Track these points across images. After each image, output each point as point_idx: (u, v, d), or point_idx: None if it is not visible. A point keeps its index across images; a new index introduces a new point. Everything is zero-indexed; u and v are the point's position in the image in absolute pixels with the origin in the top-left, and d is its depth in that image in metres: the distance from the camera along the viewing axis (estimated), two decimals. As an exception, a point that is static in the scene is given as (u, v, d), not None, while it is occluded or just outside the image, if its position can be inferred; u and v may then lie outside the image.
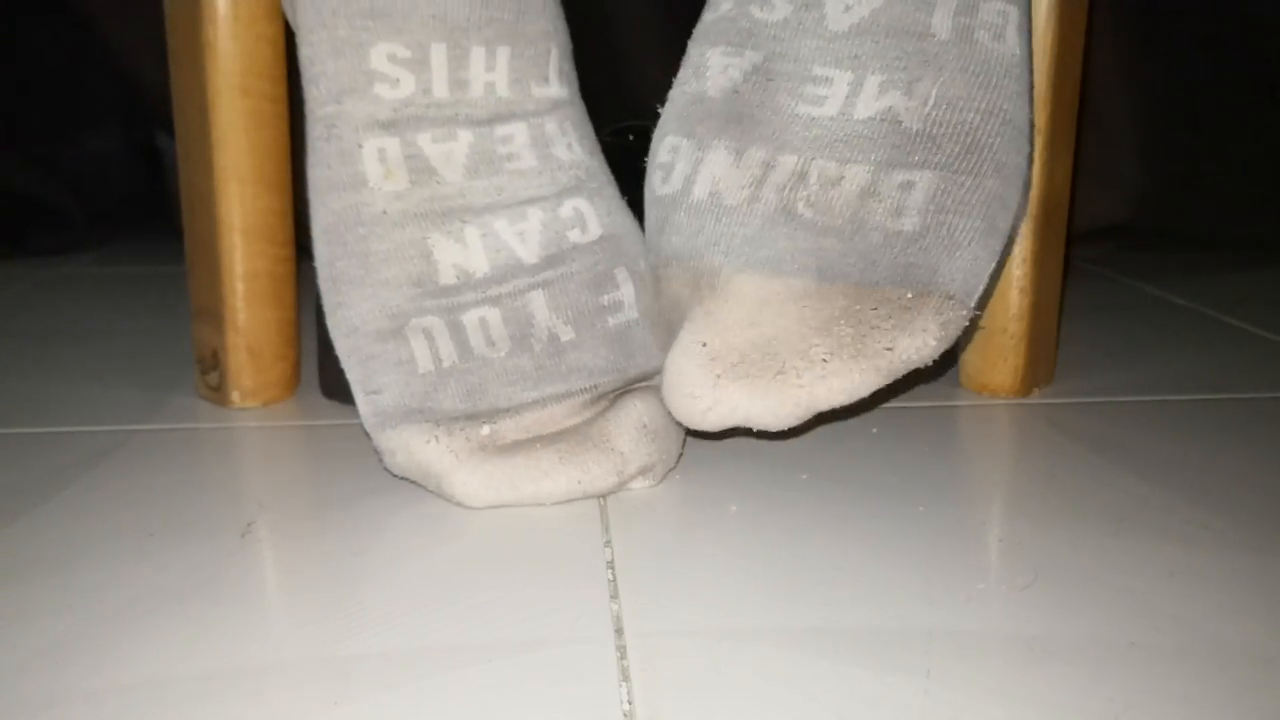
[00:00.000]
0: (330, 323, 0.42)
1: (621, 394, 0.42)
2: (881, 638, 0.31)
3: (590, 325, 0.42)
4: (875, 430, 0.48)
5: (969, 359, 0.53)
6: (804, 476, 0.43)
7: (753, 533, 0.38)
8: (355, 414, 0.49)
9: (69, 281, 0.80)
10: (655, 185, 0.42)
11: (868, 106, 0.39)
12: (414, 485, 0.42)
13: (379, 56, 0.40)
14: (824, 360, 0.37)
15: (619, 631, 0.32)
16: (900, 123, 0.39)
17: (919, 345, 0.37)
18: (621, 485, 0.41)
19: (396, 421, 0.40)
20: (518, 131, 0.42)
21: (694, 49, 0.43)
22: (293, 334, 0.53)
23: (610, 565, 0.36)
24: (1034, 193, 0.50)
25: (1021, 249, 0.51)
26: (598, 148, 0.45)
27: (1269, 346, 0.63)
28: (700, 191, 0.40)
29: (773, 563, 0.36)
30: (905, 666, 0.30)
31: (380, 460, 0.41)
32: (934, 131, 0.39)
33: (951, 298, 0.38)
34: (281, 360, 0.52)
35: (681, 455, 0.44)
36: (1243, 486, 0.42)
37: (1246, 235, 0.89)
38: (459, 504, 0.40)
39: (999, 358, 0.52)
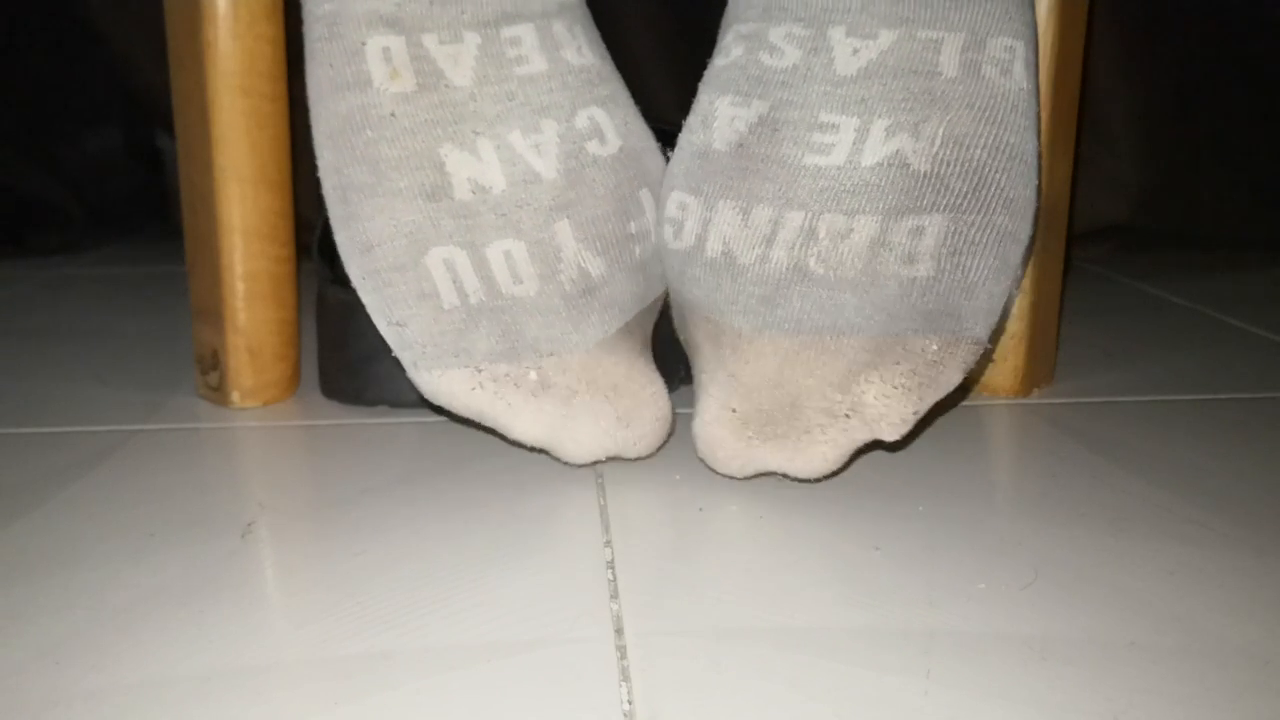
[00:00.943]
0: (340, 239, 0.40)
1: (642, 351, 0.43)
2: (881, 638, 0.31)
3: (618, 258, 0.42)
4: (875, 430, 0.48)
5: (969, 359, 0.53)
6: (804, 476, 0.43)
7: (753, 533, 0.38)
8: (355, 414, 0.50)
9: (69, 281, 0.80)
10: (668, 239, 0.42)
11: (875, 152, 0.39)
12: (414, 486, 0.42)
13: None
14: (846, 416, 0.38)
15: (619, 631, 0.32)
16: (908, 166, 0.38)
17: (940, 383, 0.39)
18: (660, 444, 0.43)
19: (432, 363, 0.40)
20: (525, 33, 0.41)
21: (704, 96, 0.43)
22: (293, 334, 0.53)
23: (610, 565, 0.36)
24: (1034, 193, 0.50)
25: (1021, 249, 0.51)
26: (607, 52, 0.44)
27: (1269, 346, 0.63)
28: (713, 250, 0.40)
29: (773, 563, 0.36)
30: (905, 666, 0.30)
31: (417, 389, 0.41)
32: (942, 171, 0.38)
33: (976, 342, 0.39)
34: (281, 360, 0.52)
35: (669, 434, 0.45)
36: (1243, 486, 0.42)
37: (1246, 235, 0.89)
38: (507, 438, 0.42)
39: (999, 358, 0.52)
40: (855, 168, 0.39)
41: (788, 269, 0.39)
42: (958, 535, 0.38)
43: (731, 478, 0.41)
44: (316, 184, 0.41)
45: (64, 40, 0.87)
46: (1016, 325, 0.52)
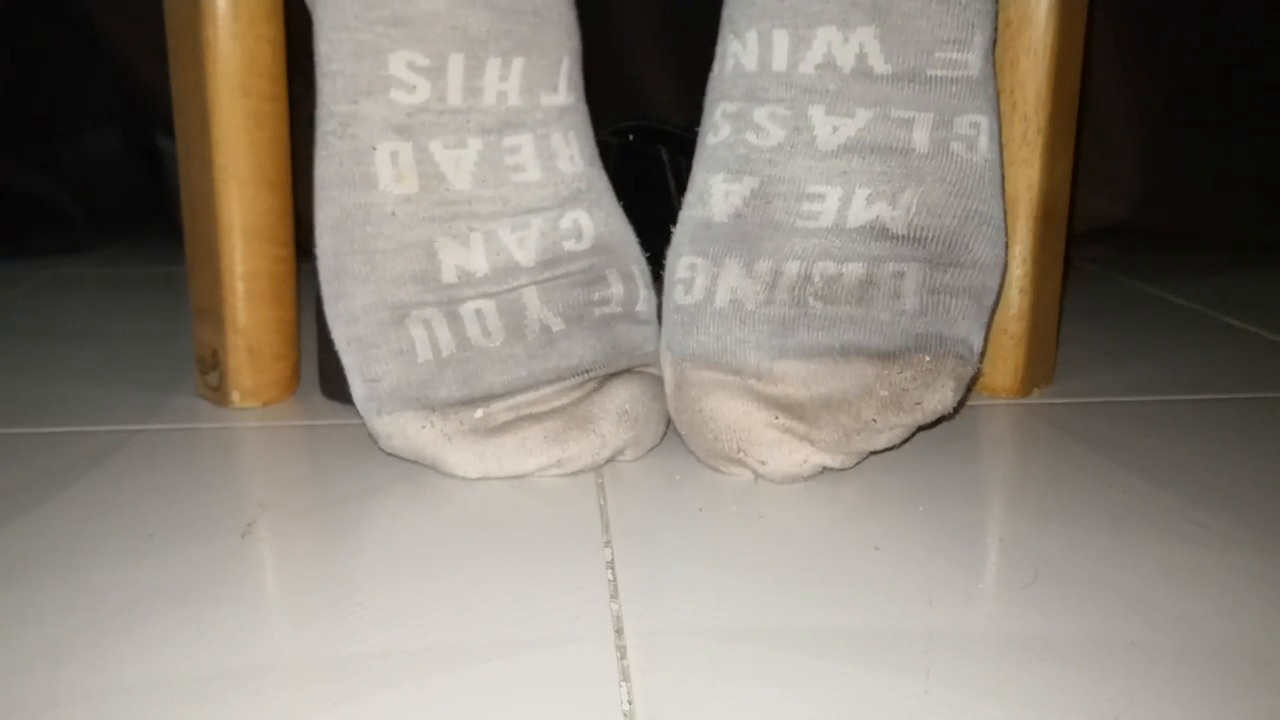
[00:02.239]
0: (329, 311, 0.43)
1: (608, 378, 0.44)
2: (881, 638, 0.31)
3: (579, 317, 0.44)
4: (875, 430, 0.48)
5: (969, 359, 0.53)
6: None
7: (753, 533, 0.38)
8: (355, 414, 0.49)
9: (69, 281, 0.80)
10: (678, 297, 0.45)
11: (857, 217, 0.43)
12: (414, 486, 0.42)
13: (398, 63, 0.41)
14: (873, 420, 0.42)
15: (619, 631, 0.32)
16: (887, 230, 0.43)
17: (941, 398, 0.43)
18: (599, 464, 0.43)
19: (393, 408, 0.42)
20: (525, 143, 0.44)
21: (698, 175, 0.46)
22: (293, 334, 0.53)
23: (610, 565, 0.36)
24: (1034, 193, 0.50)
25: (1021, 249, 0.51)
26: (596, 154, 0.47)
27: (1269, 346, 0.63)
28: (721, 300, 0.43)
29: (773, 563, 0.36)
30: (905, 666, 0.30)
31: (376, 442, 0.43)
32: (918, 235, 0.43)
33: (961, 358, 0.43)
34: (281, 360, 0.52)
35: (665, 434, 0.45)
36: (1243, 486, 0.42)
37: (1246, 235, 0.89)
38: (450, 476, 0.43)
39: (999, 358, 0.52)
40: (841, 230, 0.43)
41: (790, 309, 0.43)
42: (958, 535, 0.38)
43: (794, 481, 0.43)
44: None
45: (64, 40, 0.87)
46: (1016, 325, 0.52)
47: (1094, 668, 0.30)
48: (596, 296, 0.45)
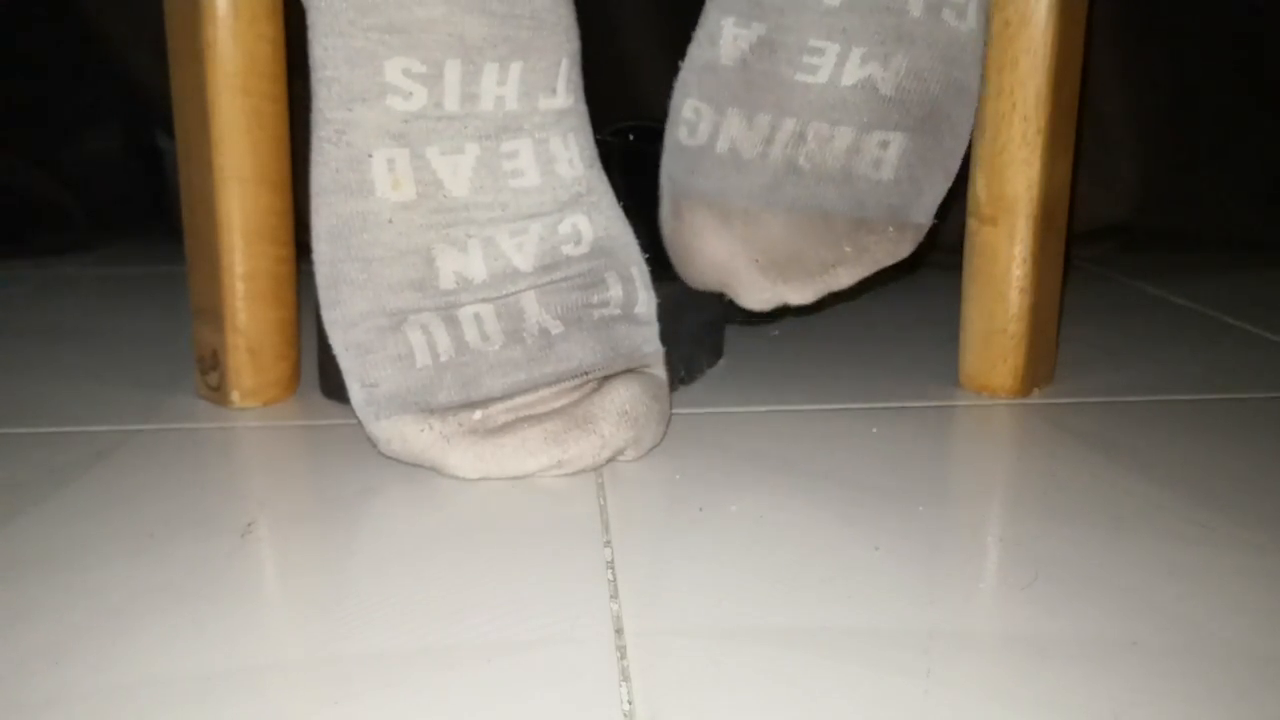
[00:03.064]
0: (326, 317, 0.43)
1: (608, 378, 0.44)
2: (881, 638, 0.31)
3: (578, 320, 0.44)
4: (875, 430, 0.48)
5: (969, 359, 0.53)
6: (804, 476, 0.43)
7: (753, 533, 0.38)
8: (355, 414, 0.49)
9: (69, 281, 0.80)
10: (681, 137, 0.50)
11: (851, 75, 0.47)
12: (414, 486, 0.42)
13: (394, 70, 0.41)
14: (834, 267, 0.49)
15: (619, 631, 0.32)
16: (877, 90, 0.47)
17: (897, 255, 0.50)
18: (600, 464, 0.43)
19: (391, 412, 0.42)
20: (523, 148, 0.43)
21: (711, 14, 0.49)
22: (293, 334, 0.53)
23: (610, 565, 0.36)
24: (1034, 193, 0.50)
25: (1021, 249, 0.51)
26: (596, 157, 0.46)
27: (1269, 346, 0.63)
28: (721, 147, 0.48)
29: (773, 563, 0.36)
30: (905, 666, 0.30)
31: (375, 446, 0.43)
32: (904, 98, 0.48)
33: (919, 225, 0.50)
34: (281, 360, 0.52)
35: (665, 433, 0.45)
36: (1243, 486, 0.42)
37: (1246, 235, 0.89)
38: (451, 477, 0.43)
39: (999, 358, 0.52)
40: (835, 86, 0.47)
41: (782, 164, 0.48)
42: (958, 535, 0.38)
43: (761, 310, 0.51)
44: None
45: (64, 40, 0.87)
46: (1016, 325, 0.52)
47: (1094, 668, 0.30)
48: (595, 299, 0.44)
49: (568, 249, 0.45)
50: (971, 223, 0.52)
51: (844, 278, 0.49)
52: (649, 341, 0.46)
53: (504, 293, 0.43)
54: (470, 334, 0.43)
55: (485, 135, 0.43)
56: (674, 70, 0.51)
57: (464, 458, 0.42)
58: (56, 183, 0.90)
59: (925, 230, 0.50)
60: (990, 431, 0.49)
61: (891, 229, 0.49)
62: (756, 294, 0.50)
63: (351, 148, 0.42)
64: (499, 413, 0.43)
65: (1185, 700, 0.28)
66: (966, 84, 0.49)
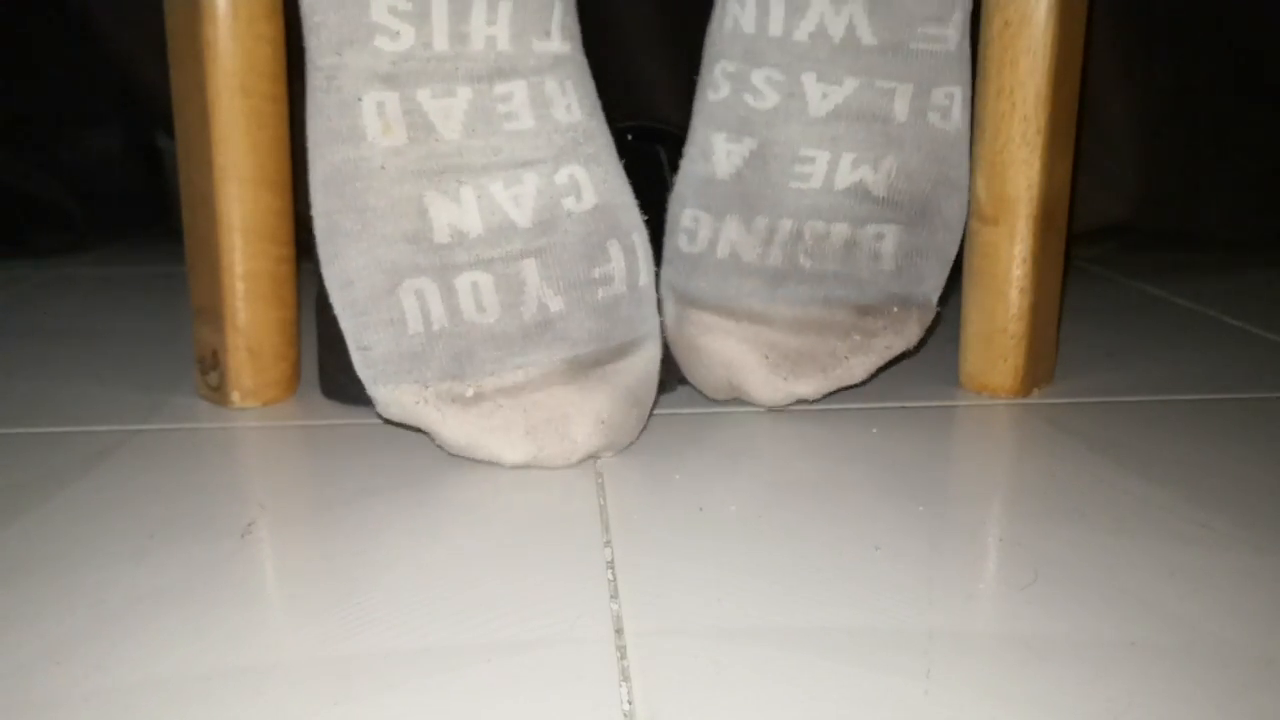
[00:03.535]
0: (325, 273, 0.43)
1: (596, 365, 0.44)
2: (881, 638, 0.31)
3: (580, 298, 0.44)
4: (875, 430, 0.48)
5: (969, 359, 0.53)
6: (804, 476, 0.43)
7: (753, 533, 0.38)
8: (355, 414, 0.50)
9: (69, 281, 0.80)
10: (681, 244, 0.50)
11: (844, 179, 0.48)
12: (414, 486, 0.42)
13: (379, 8, 0.41)
14: (846, 358, 0.49)
15: (619, 631, 0.32)
16: (870, 192, 0.49)
17: (907, 339, 0.50)
18: (572, 464, 0.44)
19: (389, 379, 0.43)
20: (517, 90, 0.43)
21: (700, 131, 0.50)
22: (293, 334, 0.53)
23: (610, 565, 0.36)
24: (1034, 193, 0.50)
25: (1021, 249, 0.51)
26: (598, 107, 0.46)
27: (1269, 346, 0.63)
28: (722, 252, 0.49)
29: (773, 563, 0.36)
30: (905, 666, 0.30)
31: (374, 406, 0.44)
32: (896, 198, 0.49)
33: (923, 306, 0.50)
34: (281, 360, 0.52)
35: (642, 430, 0.46)
36: (1243, 486, 0.42)
37: (1246, 235, 0.89)
38: (440, 444, 0.44)
39: (999, 358, 0.52)
40: (829, 191, 0.48)
41: (783, 263, 0.49)
42: (958, 535, 0.38)
43: (772, 408, 0.51)
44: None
45: (64, 40, 0.87)
46: (1016, 325, 0.52)
47: (1094, 668, 0.30)
48: (598, 273, 0.44)
49: (568, 203, 0.43)
50: (972, 223, 0.52)
51: (857, 369, 0.49)
52: (647, 319, 0.46)
53: (502, 253, 0.42)
54: (466, 304, 0.42)
55: (477, 77, 0.42)
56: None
57: (454, 432, 0.43)
58: (56, 183, 0.90)
59: (931, 314, 0.50)
60: (990, 431, 0.49)
61: (896, 309, 0.49)
62: (769, 392, 0.49)
63: (341, 93, 0.41)
64: (491, 392, 0.43)
65: (1184, 700, 0.28)
66: (956, 180, 0.50)
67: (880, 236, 0.49)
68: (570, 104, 0.44)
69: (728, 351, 0.49)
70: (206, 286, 0.51)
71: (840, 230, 0.48)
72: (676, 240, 0.50)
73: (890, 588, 0.34)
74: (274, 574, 0.36)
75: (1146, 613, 0.33)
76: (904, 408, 0.52)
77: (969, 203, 0.51)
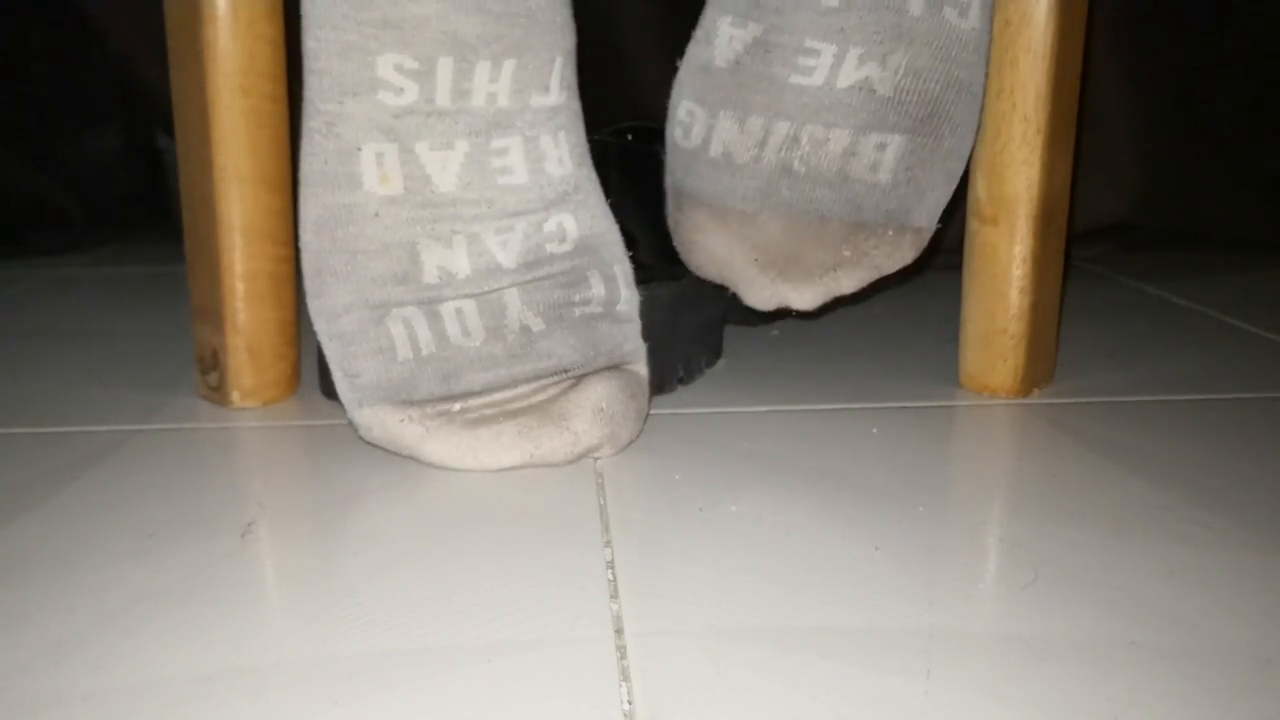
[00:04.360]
0: (311, 306, 0.44)
1: (585, 375, 0.44)
2: (881, 638, 0.31)
3: (559, 318, 0.44)
4: (875, 430, 0.48)
5: (969, 359, 0.53)
6: (804, 476, 0.43)
7: (753, 533, 0.38)
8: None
9: (69, 281, 0.80)
10: (677, 138, 0.49)
11: (848, 76, 0.46)
12: (414, 486, 0.42)
13: (386, 65, 0.41)
14: (834, 270, 0.48)
15: (619, 631, 0.32)
16: (875, 91, 0.46)
17: (900, 260, 0.48)
18: (573, 460, 0.44)
19: (374, 401, 0.43)
20: (513, 145, 0.43)
21: (709, 13, 0.49)
22: (293, 334, 0.53)
23: (610, 565, 0.36)
24: (1034, 193, 0.50)
25: (1021, 249, 0.51)
26: (587, 153, 0.47)
27: (1269, 346, 0.63)
28: (715, 151, 0.48)
29: (773, 563, 0.36)
30: (905, 666, 0.30)
31: (356, 431, 0.44)
32: (902, 98, 0.46)
33: (920, 230, 0.48)
34: (281, 360, 0.52)
35: (642, 430, 0.46)
36: (1243, 486, 0.42)
37: (1246, 235, 0.89)
38: (428, 465, 0.44)
39: (999, 358, 0.52)
40: (831, 88, 0.46)
41: (776, 168, 0.47)
42: (958, 535, 0.38)
43: (761, 309, 0.50)
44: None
45: (64, 40, 0.87)
46: (1016, 325, 0.52)
47: (1094, 668, 0.30)
48: (578, 298, 0.45)
49: (552, 246, 0.45)
50: (972, 223, 0.52)
51: (845, 282, 0.48)
52: (629, 339, 0.46)
53: (487, 289, 0.43)
54: (452, 329, 0.43)
55: (475, 132, 0.43)
56: (674, 70, 0.51)
57: (441, 447, 0.43)
58: (56, 183, 0.90)
59: (928, 235, 0.49)
60: (990, 431, 0.49)
61: (891, 232, 0.47)
62: (757, 291, 0.49)
63: (341, 140, 0.42)
64: (478, 406, 0.43)
65: (1184, 700, 0.28)
66: (969, 82, 0.47)
67: (882, 146, 0.46)
68: (562, 156, 0.45)
69: (719, 249, 0.49)
70: (206, 286, 0.51)
71: (840, 137, 0.46)
72: (673, 132, 0.50)
73: (890, 588, 0.34)
74: (274, 574, 0.36)
75: (1146, 613, 0.33)
76: (904, 408, 0.52)
77: (981, 109, 0.49)
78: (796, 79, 0.46)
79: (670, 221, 0.51)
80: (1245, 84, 0.87)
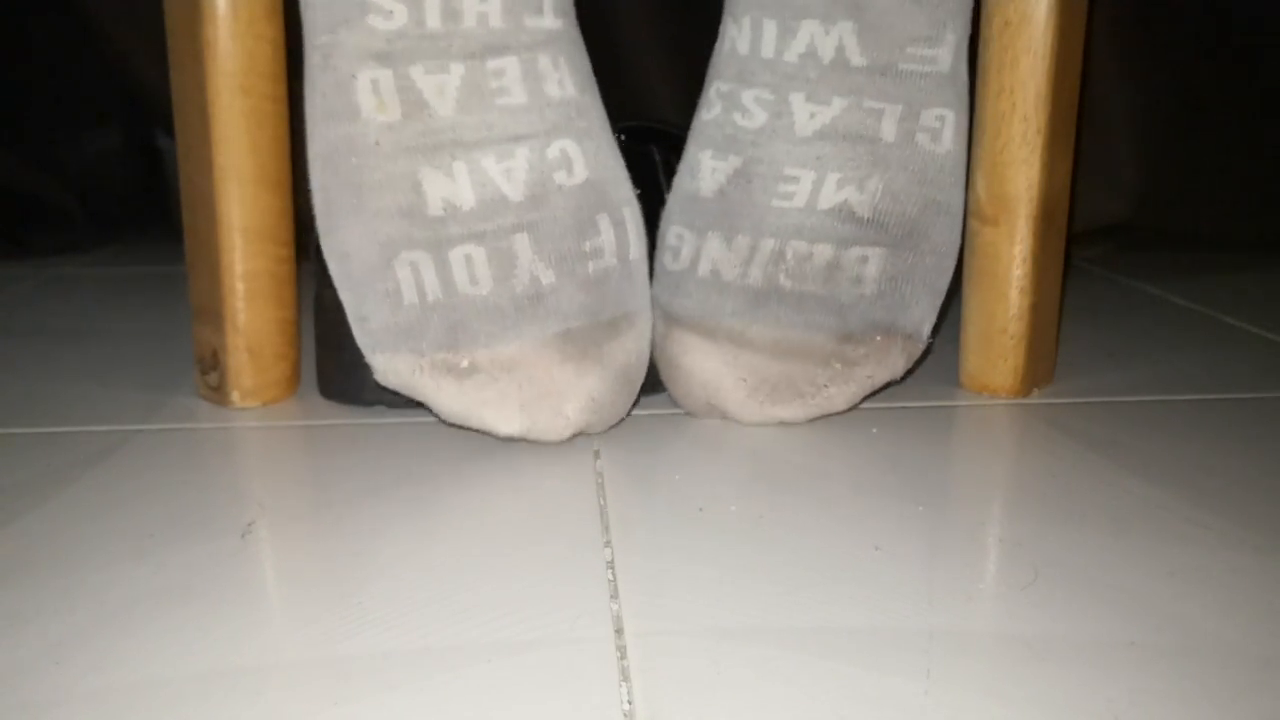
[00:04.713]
0: (324, 245, 0.44)
1: (589, 348, 0.45)
2: (881, 638, 0.31)
3: (571, 271, 0.44)
4: (875, 430, 0.48)
5: (969, 359, 0.53)
6: (804, 476, 0.43)
7: (753, 533, 0.38)
8: (355, 414, 0.50)
9: (69, 281, 0.80)
10: (666, 262, 0.50)
11: (828, 199, 0.47)
12: (414, 486, 0.42)
13: None
14: (825, 386, 0.48)
15: (619, 631, 0.32)
16: (854, 213, 0.47)
17: (890, 370, 0.49)
18: (563, 439, 0.46)
19: (387, 348, 0.44)
20: (509, 65, 0.43)
21: (691, 148, 0.50)
22: (293, 334, 0.53)
23: (610, 565, 0.36)
24: (1034, 193, 0.50)
25: (1021, 249, 0.51)
26: (592, 82, 0.47)
27: (1269, 346, 0.63)
28: (703, 270, 0.48)
29: (773, 563, 0.36)
30: (905, 666, 0.30)
31: (372, 372, 0.45)
32: (881, 220, 0.47)
33: (909, 337, 0.49)
34: (281, 360, 0.52)
35: (631, 409, 0.48)
36: (1243, 486, 0.42)
37: (1246, 235, 0.89)
38: (436, 414, 0.45)
39: (999, 358, 0.52)
40: (813, 211, 0.47)
41: (763, 283, 0.48)
42: (958, 535, 0.38)
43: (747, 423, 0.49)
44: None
45: (64, 40, 0.87)
46: (1016, 325, 0.52)
47: (1094, 668, 0.30)
48: (588, 247, 0.45)
49: (559, 177, 0.44)
50: (972, 223, 0.52)
51: (837, 399, 0.48)
52: (637, 295, 0.47)
53: (494, 226, 0.43)
54: (459, 276, 0.43)
55: (470, 54, 0.43)
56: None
57: (452, 404, 0.44)
58: (56, 183, 0.90)
59: (919, 346, 0.49)
60: (990, 431, 0.49)
61: (879, 337, 0.48)
62: (748, 414, 0.48)
63: (337, 71, 0.42)
64: (485, 364, 0.44)
65: (1184, 700, 0.28)
66: (946, 203, 0.49)
67: (864, 260, 0.47)
68: (563, 79, 0.45)
69: (706, 372, 0.48)
70: (206, 286, 0.51)
71: (823, 251, 0.47)
72: (663, 258, 0.50)
73: (890, 588, 0.34)
74: (274, 574, 0.36)
75: (1146, 613, 0.33)
76: (904, 408, 0.52)
77: (963, 227, 0.50)
78: (778, 203, 0.47)
79: (656, 351, 0.50)
80: (1245, 84, 0.87)
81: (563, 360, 0.44)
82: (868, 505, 0.40)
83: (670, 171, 0.54)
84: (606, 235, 0.45)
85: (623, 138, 0.58)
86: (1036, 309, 0.52)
